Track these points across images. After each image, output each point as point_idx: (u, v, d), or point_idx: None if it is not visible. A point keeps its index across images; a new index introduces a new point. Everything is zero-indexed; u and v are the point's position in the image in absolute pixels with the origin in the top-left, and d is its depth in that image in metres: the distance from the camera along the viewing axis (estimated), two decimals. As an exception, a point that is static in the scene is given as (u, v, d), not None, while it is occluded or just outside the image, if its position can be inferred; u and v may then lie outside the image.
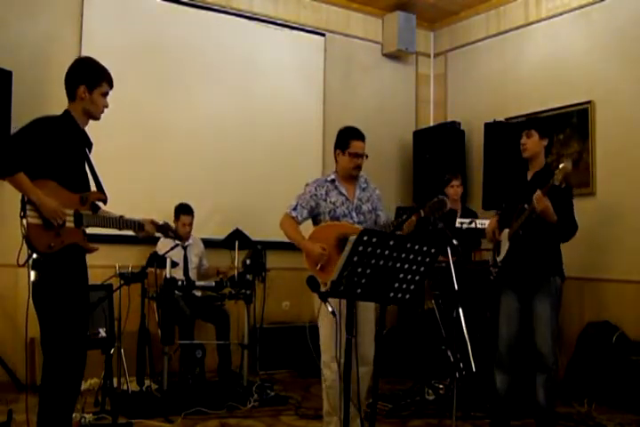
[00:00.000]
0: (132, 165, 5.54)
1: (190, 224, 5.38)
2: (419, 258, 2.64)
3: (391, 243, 2.55)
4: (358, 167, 3.78)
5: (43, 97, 4.99)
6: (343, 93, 6.84)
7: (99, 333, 4.41)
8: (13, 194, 2.92)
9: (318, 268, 3.54)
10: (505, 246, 3.88)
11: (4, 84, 4.89)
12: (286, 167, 6.24)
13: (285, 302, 6.23)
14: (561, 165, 3.46)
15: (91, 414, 4.02)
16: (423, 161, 6.76)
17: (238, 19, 6.25)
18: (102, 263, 4.18)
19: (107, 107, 3.09)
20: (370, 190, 3.89)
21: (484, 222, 4.45)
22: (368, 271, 2.55)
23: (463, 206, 5.57)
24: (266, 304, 5.22)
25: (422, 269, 2.66)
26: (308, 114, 6.56)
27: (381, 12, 7.01)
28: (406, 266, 2.62)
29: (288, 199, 3.84)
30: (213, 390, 4.76)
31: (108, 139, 4.77)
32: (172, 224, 4.56)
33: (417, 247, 2.61)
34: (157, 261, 4.68)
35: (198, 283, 5.05)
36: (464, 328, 3.10)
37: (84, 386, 4.28)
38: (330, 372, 3.56)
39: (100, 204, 3.16)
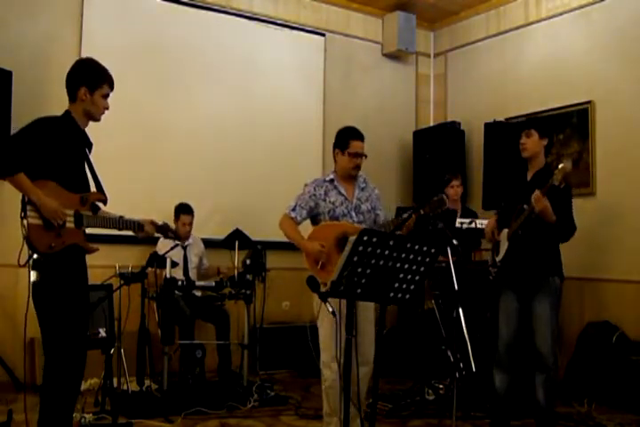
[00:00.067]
0: (132, 165, 5.54)
1: (190, 224, 5.38)
2: (419, 258, 2.63)
3: (391, 243, 2.55)
4: (357, 167, 3.79)
5: (43, 97, 4.99)
6: (343, 93, 6.83)
7: (99, 333, 4.41)
8: (13, 194, 2.93)
9: (319, 267, 3.55)
10: (504, 246, 3.88)
11: (4, 84, 4.89)
12: (286, 167, 6.24)
13: (285, 302, 6.23)
14: (560, 165, 3.45)
15: (91, 414, 4.02)
16: (423, 161, 6.75)
17: (238, 19, 6.25)
18: (102, 263, 4.17)
19: (107, 108, 3.09)
20: (369, 190, 3.89)
21: (483, 222, 4.44)
22: (368, 271, 2.54)
23: (463, 206, 5.56)
24: (266, 304, 5.22)
25: (422, 269, 2.66)
26: (308, 114, 6.56)
27: (381, 12, 7.01)
28: (406, 266, 2.62)
29: (288, 199, 3.84)
30: (213, 390, 4.76)
31: (108, 139, 4.77)
32: (172, 225, 4.57)
33: (417, 247, 2.61)
34: (157, 261, 4.68)
35: (198, 283, 5.05)
36: (464, 328, 3.10)
37: (84, 386, 4.29)
38: (330, 372, 3.56)
39: (100, 204, 3.16)
